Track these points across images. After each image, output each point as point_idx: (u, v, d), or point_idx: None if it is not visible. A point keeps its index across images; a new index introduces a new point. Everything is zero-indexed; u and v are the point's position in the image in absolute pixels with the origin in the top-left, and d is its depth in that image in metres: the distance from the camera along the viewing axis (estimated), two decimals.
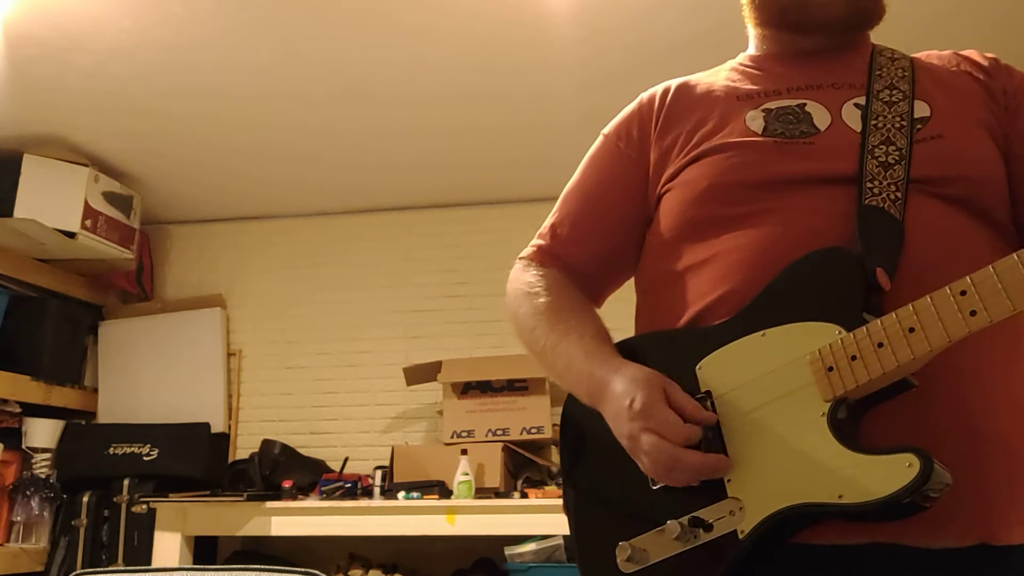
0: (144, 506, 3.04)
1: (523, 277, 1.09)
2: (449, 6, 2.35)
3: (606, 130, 1.11)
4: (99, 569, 2.95)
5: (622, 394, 0.87)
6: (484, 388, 3.13)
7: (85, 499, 3.13)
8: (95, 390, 3.55)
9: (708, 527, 0.82)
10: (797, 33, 1.03)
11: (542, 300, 1.04)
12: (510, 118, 2.97)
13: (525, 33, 2.47)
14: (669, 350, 0.93)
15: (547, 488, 2.86)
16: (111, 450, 3.24)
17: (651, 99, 1.08)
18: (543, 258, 1.11)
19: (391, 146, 3.17)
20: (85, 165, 3.15)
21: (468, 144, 3.17)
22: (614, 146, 1.08)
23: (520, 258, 1.14)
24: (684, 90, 1.06)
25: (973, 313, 0.72)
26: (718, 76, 1.07)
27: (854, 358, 0.77)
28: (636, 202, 1.05)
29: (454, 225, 3.68)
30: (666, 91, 1.07)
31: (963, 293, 0.73)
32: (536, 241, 1.13)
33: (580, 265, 1.09)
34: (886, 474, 0.72)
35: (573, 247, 1.09)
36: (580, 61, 2.60)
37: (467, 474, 2.82)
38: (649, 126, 1.05)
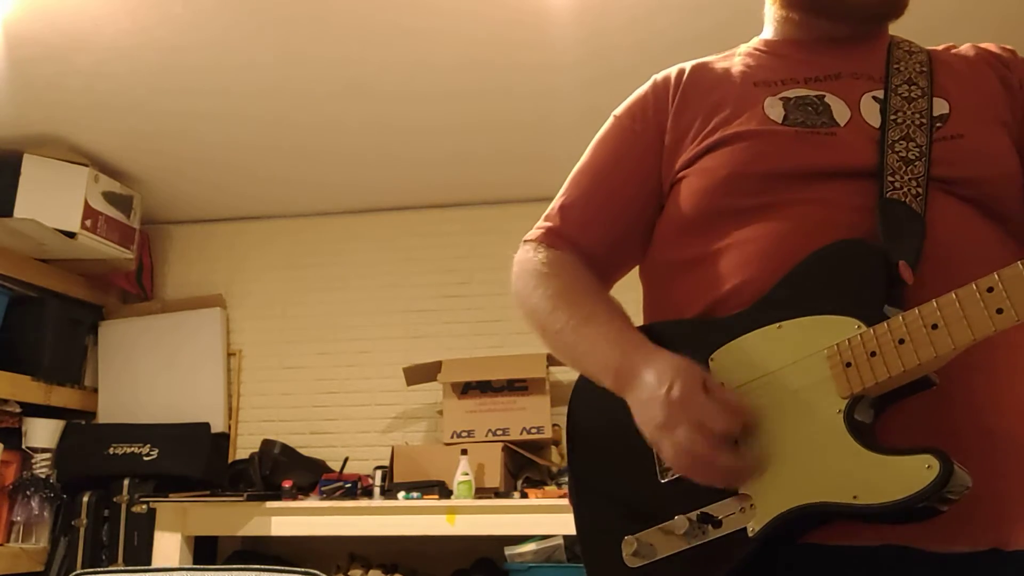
0: (144, 506, 3.03)
1: (534, 258, 1.04)
2: (450, 7, 2.35)
3: (617, 112, 1.07)
4: (99, 569, 2.94)
5: (658, 381, 0.82)
6: (484, 388, 3.13)
7: (85, 499, 3.12)
8: (95, 390, 3.54)
9: (717, 523, 0.80)
10: (825, 18, 1.00)
11: (559, 281, 0.99)
12: (511, 115, 2.96)
13: (526, 33, 2.47)
14: (679, 340, 0.89)
15: (547, 488, 2.86)
16: (111, 450, 3.23)
17: (666, 79, 1.05)
18: (552, 240, 1.05)
19: (392, 142, 3.17)
20: (85, 165, 3.14)
21: (468, 140, 3.16)
22: (627, 127, 1.05)
23: (526, 240, 1.08)
24: (700, 72, 1.04)
25: (1000, 311, 0.69)
26: (732, 60, 1.04)
27: (873, 354, 0.75)
28: (648, 183, 1.01)
29: (454, 225, 3.68)
30: (681, 72, 1.04)
31: (990, 290, 0.69)
32: (543, 223, 1.08)
33: (590, 247, 1.04)
34: (904, 475, 0.70)
35: (583, 228, 1.04)
36: (581, 60, 2.60)
37: (467, 474, 2.82)
38: (665, 106, 1.02)
